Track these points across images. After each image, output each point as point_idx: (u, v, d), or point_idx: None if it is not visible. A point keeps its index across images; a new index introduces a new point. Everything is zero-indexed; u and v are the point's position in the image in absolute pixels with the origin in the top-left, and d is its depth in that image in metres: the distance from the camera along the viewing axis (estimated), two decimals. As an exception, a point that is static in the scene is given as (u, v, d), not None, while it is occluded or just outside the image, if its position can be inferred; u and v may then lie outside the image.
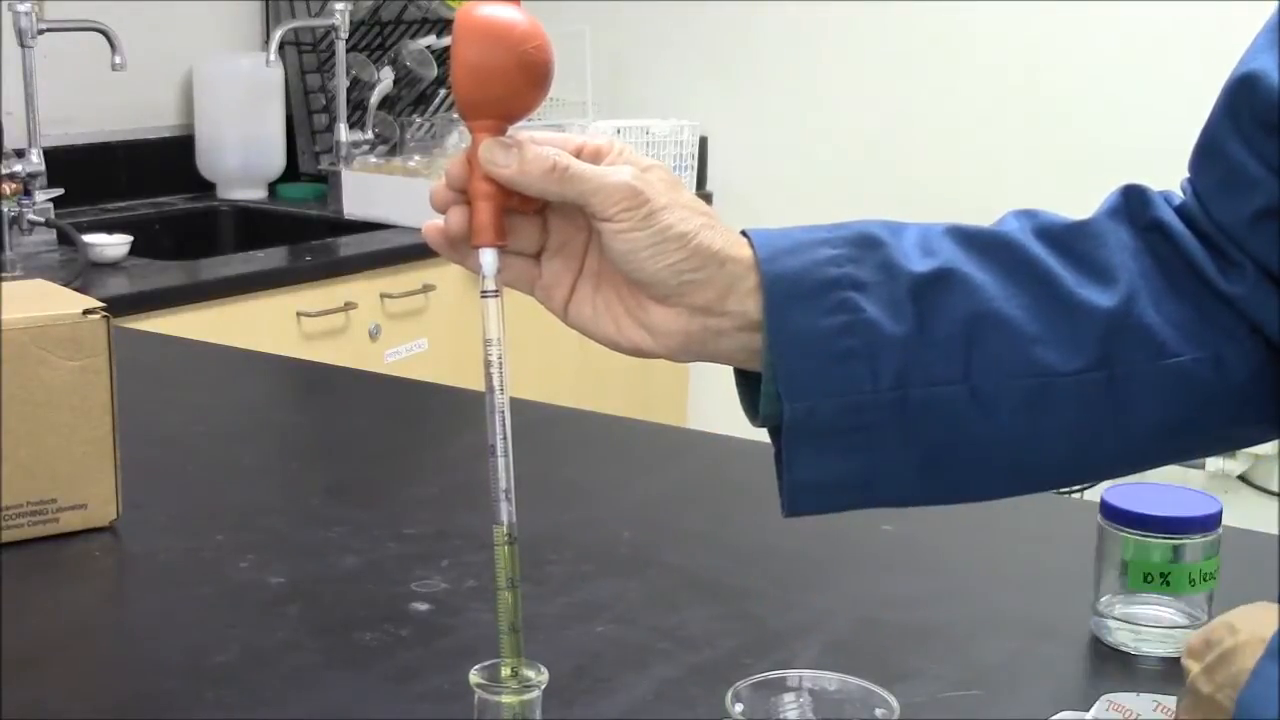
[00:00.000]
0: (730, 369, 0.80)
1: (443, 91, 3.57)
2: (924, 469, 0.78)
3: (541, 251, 0.78)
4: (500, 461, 0.72)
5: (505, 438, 0.72)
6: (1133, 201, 0.81)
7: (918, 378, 0.76)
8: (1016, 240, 0.78)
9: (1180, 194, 0.82)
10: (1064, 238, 0.79)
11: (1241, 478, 2.90)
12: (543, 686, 0.70)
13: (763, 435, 1.47)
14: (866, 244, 0.77)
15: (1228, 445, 0.86)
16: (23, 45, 2.63)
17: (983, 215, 0.85)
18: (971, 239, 0.78)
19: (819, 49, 3.30)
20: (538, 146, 0.73)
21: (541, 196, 0.74)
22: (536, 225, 0.77)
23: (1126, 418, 0.78)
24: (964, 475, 0.79)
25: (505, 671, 0.71)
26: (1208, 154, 0.79)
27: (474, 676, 0.70)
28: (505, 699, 0.70)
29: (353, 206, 3.03)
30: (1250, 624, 0.74)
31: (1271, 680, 0.61)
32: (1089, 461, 0.81)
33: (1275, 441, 2.87)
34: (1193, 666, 0.76)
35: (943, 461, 0.78)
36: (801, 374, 0.75)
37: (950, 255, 0.77)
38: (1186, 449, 0.83)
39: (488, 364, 0.72)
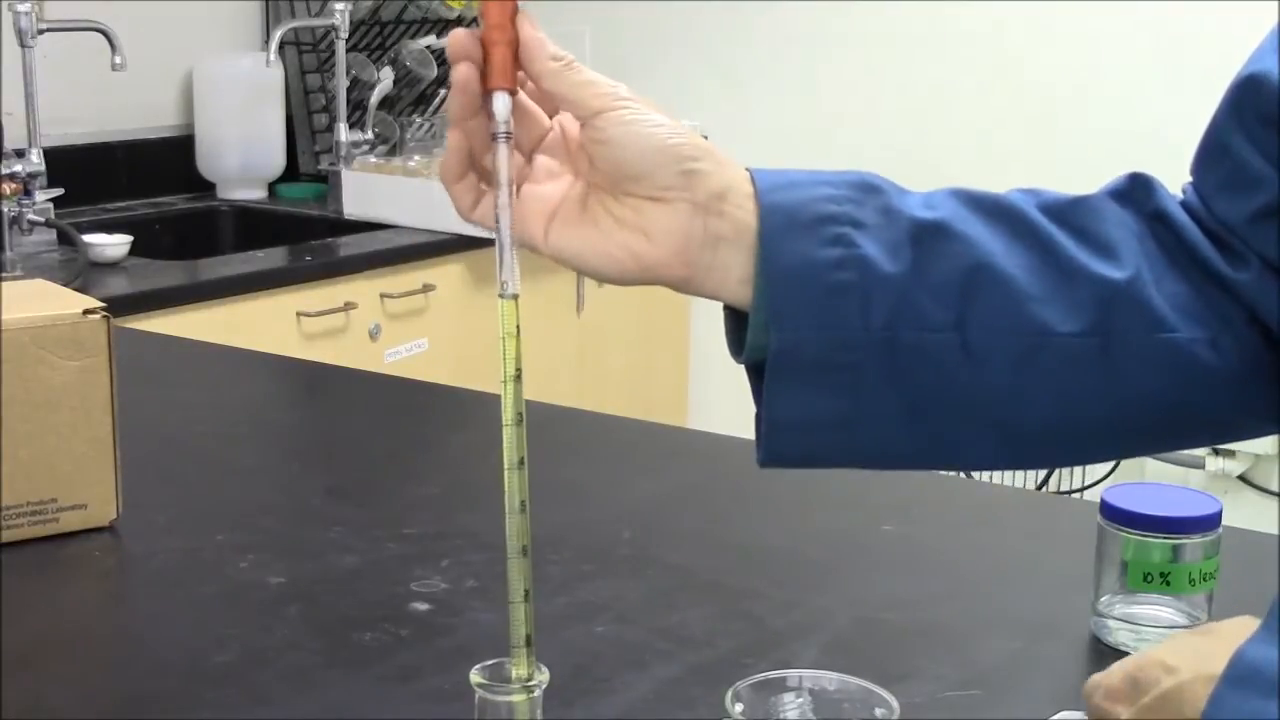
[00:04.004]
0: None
1: (443, 91, 3.57)
2: (908, 417, 0.76)
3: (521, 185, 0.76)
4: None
5: (514, 281, 0.71)
6: (1138, 188, 0.80)
7: (910, 320, 0.74)
8: (1020, 207, 0.78)
9: (1182, 194, 0.82)
10: (1066, 211, 0.78)
11: (1241, 478, 2.90)
12: (544, 686, 0.70)
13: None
14: (867, 189, 0.76)
15: (1217, 434, 0.84)
16: (23, 45, 2.63)
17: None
18: (976, 200, 0.78)
19: (819, 49, 3.30)
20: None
21: (539, 75, 0.73)
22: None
23: (1118, 386, 0.76)
24: (948, 428, 0.77)
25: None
26: (1212, 153, 0.79)
27: (475, 676, 0.70)
28: (509, 699, 0.70)
29: (353, 206, 3.03)
30: (1189, 659, 0.69)
31: (1236, 710, 0.57)
32: (1075, 428, 0.79)
33: (1275, 441, 2.87)
34: (1117, 711, 0.71)
35: (927, 411, 0.76)
36: (792, 304, 0.73)
37: (953, 211, 0.76)
38: (1175, 430, 0.81)
39: (498, 207, 0.72)
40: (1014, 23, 3.09)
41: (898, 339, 0.74)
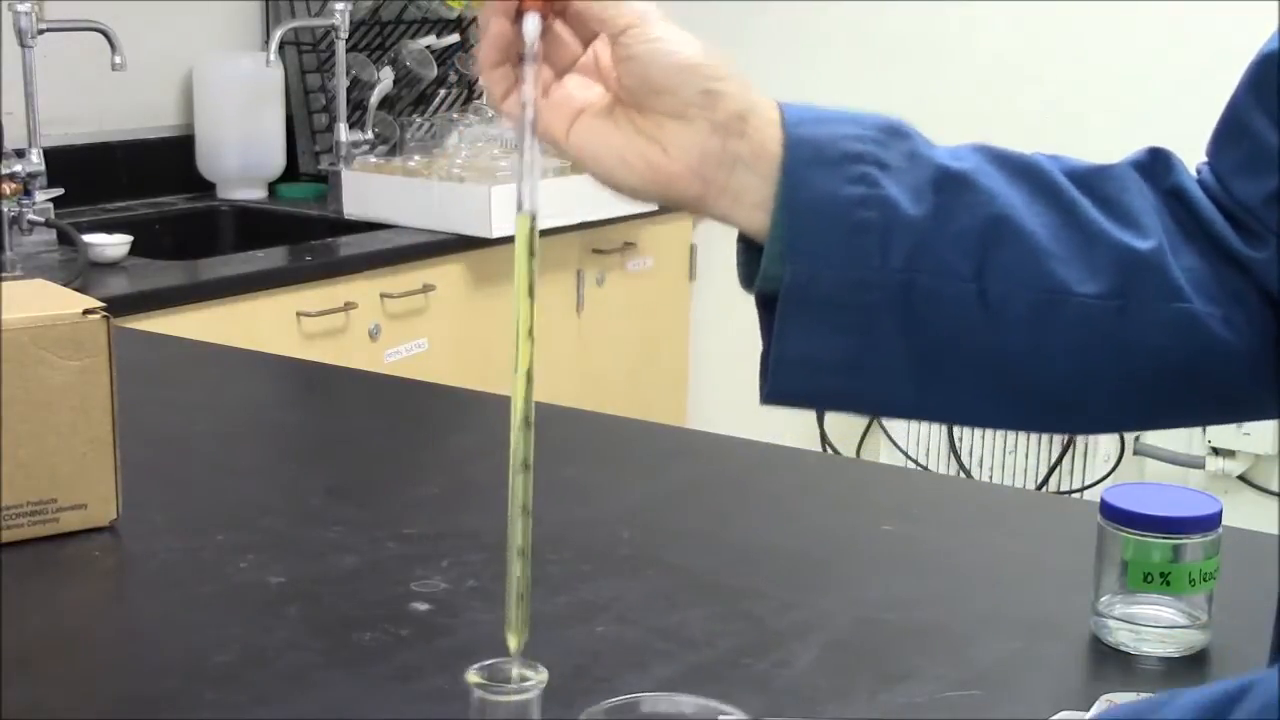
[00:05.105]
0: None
1: (443, 91, 3.57)
2: (917, 364, 0.75)
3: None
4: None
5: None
6: (1158, 163, 0.80)
7: (928, 265, 0.74)
8: (1045, 168, 0.78)
9: (1197, 175, 0.82)
10: (1090, 178, 0.78)
11: (1241, 478, 2.90)
12: (542, 686, 0.70)
13: (762, 435, 1.47)
14: (895, 133, 0.76)
15: (1228, 408, 0.84)
16: (23, 45, 2.63)
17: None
18: (1001, 157, 0.78)
19: (818, 49, 3.30)
20: None
21: None
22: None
23: (1131, 351, 0.76)
24: (956, 380, 0.77)
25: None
26: (1230, 132, 0.79)
27: (472, 676, 0.70)
28: (508, 699, 0.70)
29: (353, 206, 3.03)
30: None
31: None
32: (1085, 391, 0.78)
33: (1275, 441, 2.87)
34: None
35: (937, 360, 0.76)
36: (810, 238, 0.73)
37: (978, 164, 0.76)
38: (1184, 401, 0.81)
39: (523, 121, 0.73)
40: (1018, 22, 3.09)
41: (914, 283, 0.74)
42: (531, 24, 0.74)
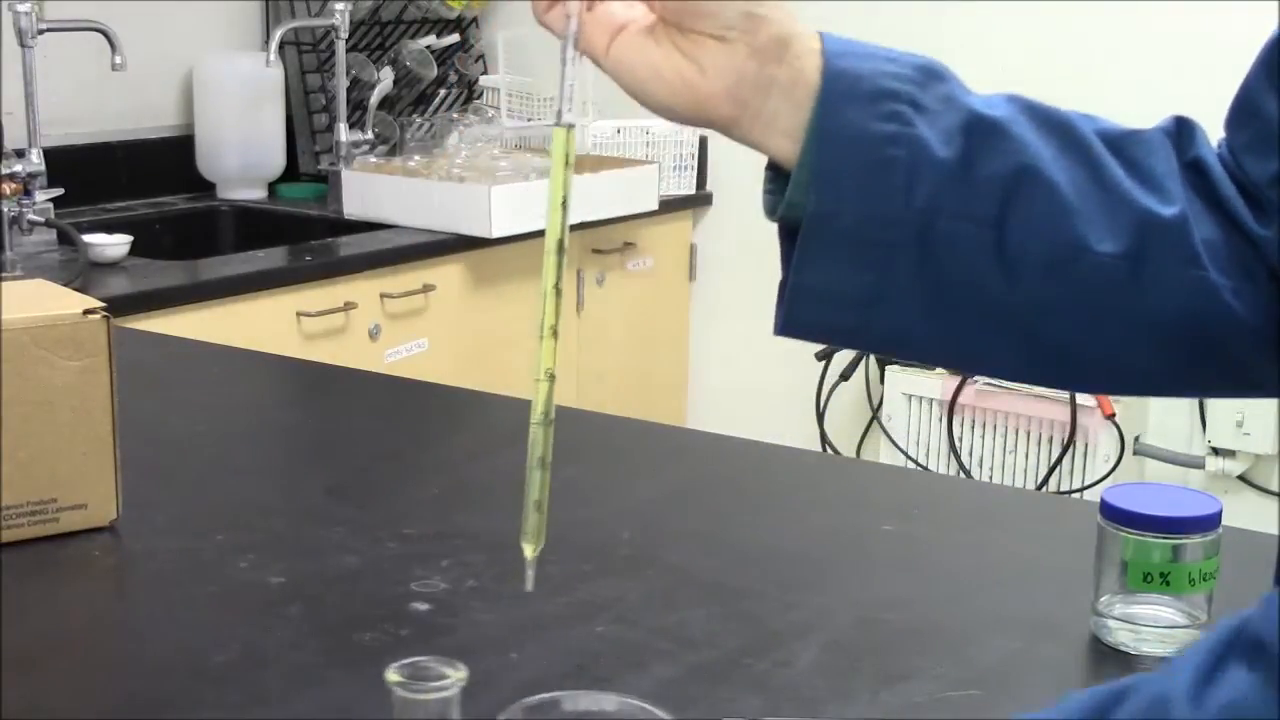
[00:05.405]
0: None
1: (443, 91, 3.57)
2: (931, 304, 0.76)
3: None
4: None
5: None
6: (1183, 134, 0.81)
7: (950, 208, 0.74)
8: (1078, 125, 0.78)
9: (1218, 148, 0.82)
10: (1121, 141, 0.79)
11: (1241, 478, 2.90)
12: (462, 684, 0.69)
13: (762, 435, 1.47)
14: (932, 74, 0.76)
15: (1237, 380, 0.83)
16: (23, 45, 2.63)
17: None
18: (1035, 110, 0.78)
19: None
20: None
21: None
22: None
23: (1142, 312, 0.77)
24: (969, 325, 0.77)
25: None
26: (1243, 111, 0.79)
27: (392, 675, 0.69)
28: (428, 697, 0.68)
29: (353, 206, 3.03)
30: None
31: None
32: (1094, 348, 0.79)
33: (1275, 441, 2.87)
34: None
35: (951, 302, 0.76)
36: (838, 170, 0.74)
37: (1011, 114, 0.77)
38: (1193, 369, 0.81)
39: (566, 33, 0.75)
40: (1020, 23, 3.09)
41: (934, 225, 0.74)
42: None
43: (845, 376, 3.19)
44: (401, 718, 0.69)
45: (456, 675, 0.69)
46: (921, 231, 0.74)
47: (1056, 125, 0.78)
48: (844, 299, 0.76)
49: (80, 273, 2.43)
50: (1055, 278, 0.76)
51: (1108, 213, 0.76)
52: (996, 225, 0.75)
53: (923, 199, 0.74)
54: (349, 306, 2.66)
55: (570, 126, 0.74)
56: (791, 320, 0.78)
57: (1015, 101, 0.78)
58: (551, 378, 0.74)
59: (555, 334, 0.73)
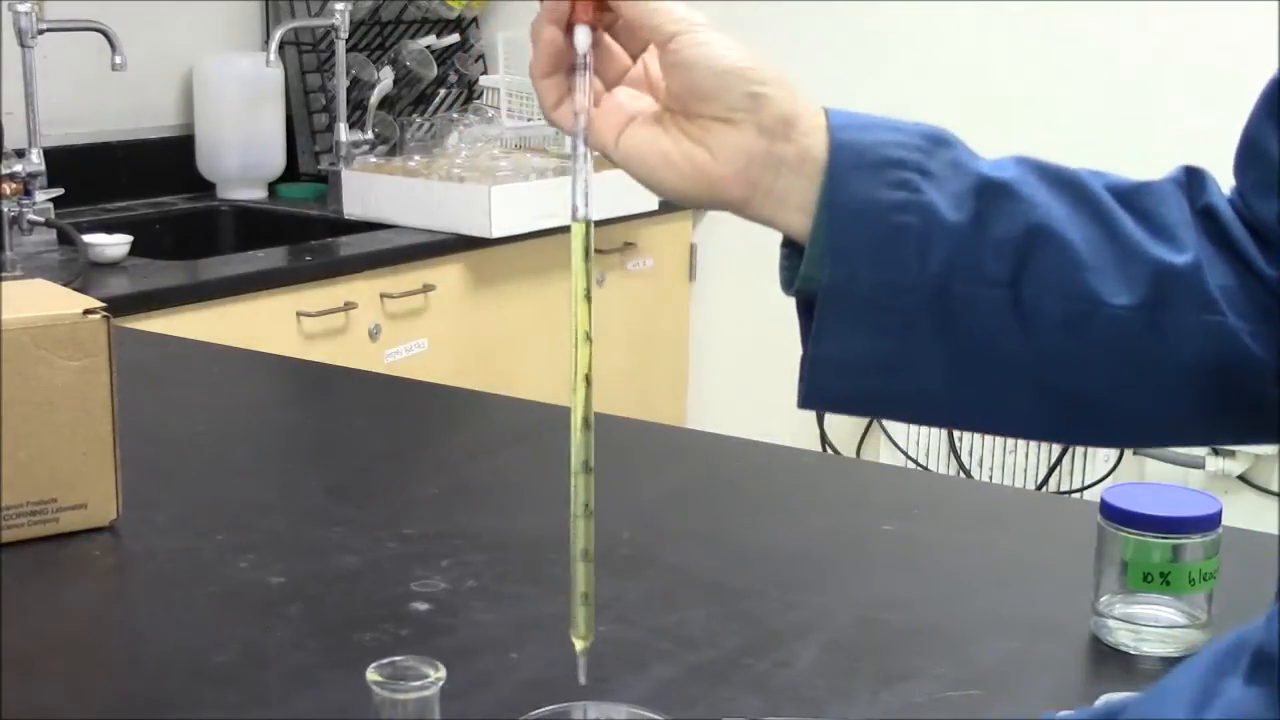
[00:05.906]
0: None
1: (443, 91, 3.57)
2: (951, 367, 0.77)
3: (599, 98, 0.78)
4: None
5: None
6: (1193, 183, 0.81)
7: (965, 272, 0.75)
8: (1087, 181, 0.79)
9: (1229, 193, 0.83)
10: (1130, 194, 0.79)
11: (1241, 478, 2.90)
12: (440, 684, 0.70)
13: (762, 435, 1.47)
14: (938, 141, 0.77)
15: (1254, 426, 0.82)
16: (23, 45, 2.63)
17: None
18: (1043, 169, 0.79)
19: (818, 49, 3.30)
20: None
21: (620, 4, 0.75)
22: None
23: (1163, 362, 0.77)
24: (990, 385, 0.78)
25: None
26: (1248, 153, 0.80)
27: (372, 674, 0.69)
28: (408, 697, 0.69)
29: (353, 206, 3.03)
30: None
31: None
32: (1117, 400, 0.79)
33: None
34: None
35: (972, 364, 0.77)
36: (850, 240, 0.74)
37: (1020, 175, 0.77)
38: (1213, 417, 0.81)
39: (576, 129, 0.76)
40: (1023, 25, 3.09)
41: (950, 289, 0.75)
42: (582, 35, 0.75)
43: (845, 376, 3.18)
44: (381, 717, 0.69)
45: (436, 675, 0.69)
46: (937, 296, 0.75)
47: (1066, 183, 0.78)
48: (864, 367, 0.77)
49: (80, 273, 2.43)
50: (1073, 333, 0.76)
51: (1121, 265, 0.76)
52: (1011, 285, 0.76)
53: (936, 264, 0.75)
54: (349, 306, 2.66)
55: (588, 221, 0.74)
56: (813, 391, 0.78)
57: (1023, 163, 0.79)
58: (589, 470, 0.75)
59: (589, 425, 0.74)
